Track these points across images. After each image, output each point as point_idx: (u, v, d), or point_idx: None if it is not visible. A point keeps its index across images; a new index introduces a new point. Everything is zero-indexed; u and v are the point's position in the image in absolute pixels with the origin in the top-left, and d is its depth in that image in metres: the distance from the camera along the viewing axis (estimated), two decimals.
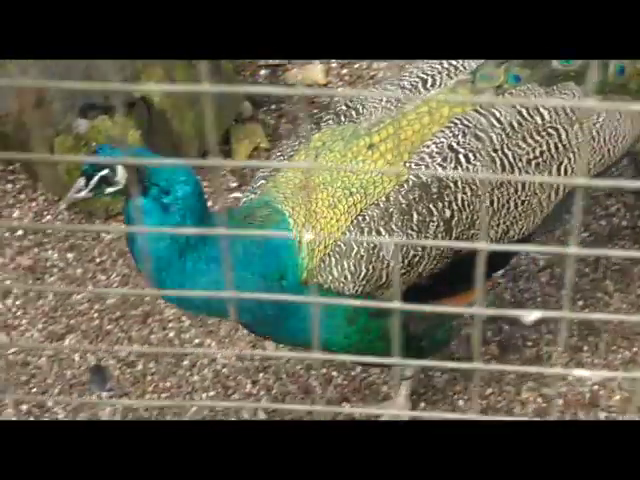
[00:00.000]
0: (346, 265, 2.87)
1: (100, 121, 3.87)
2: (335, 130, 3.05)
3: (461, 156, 2.96)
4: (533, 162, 3.05)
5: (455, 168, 2.95)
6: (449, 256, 2.94)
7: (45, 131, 3.92)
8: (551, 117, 3.08)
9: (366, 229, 2.86)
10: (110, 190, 2.76)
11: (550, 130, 3.09)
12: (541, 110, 3.09)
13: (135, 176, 2.68)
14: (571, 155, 3.10)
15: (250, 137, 4.22)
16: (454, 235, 2.92)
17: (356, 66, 4.61)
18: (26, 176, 4.23)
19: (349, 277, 2.87)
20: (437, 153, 2.95)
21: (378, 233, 2.87)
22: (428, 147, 2.97)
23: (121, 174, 2.72)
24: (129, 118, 3.88)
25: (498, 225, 3.03)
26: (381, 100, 3.09)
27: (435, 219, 2.91)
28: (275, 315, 2.85)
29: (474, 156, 2.96)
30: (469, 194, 2.95)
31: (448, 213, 2.91)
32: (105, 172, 2.71)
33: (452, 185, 2.93)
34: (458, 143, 2.98)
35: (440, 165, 2.95)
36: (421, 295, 2.85)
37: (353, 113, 3.09)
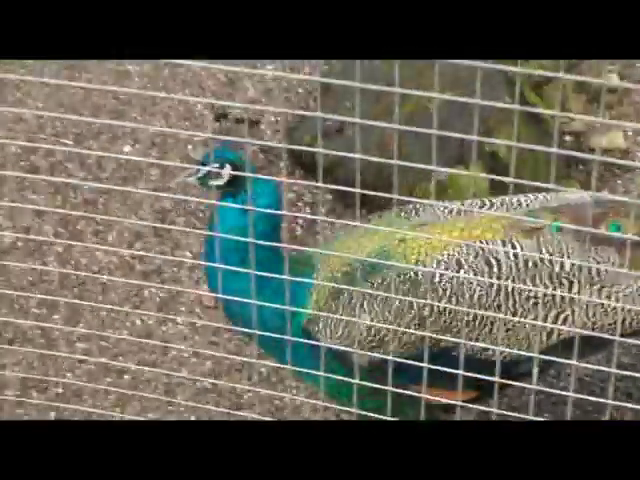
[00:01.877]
0: (329, 322, 3.28)
1: (457, 170, 4.59)
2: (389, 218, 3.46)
3: (462, 272, 3.23)
4: (532, 300, 3.23)
5: (450, 280, 3.21)
6: (419, 347, 3.19)
7: (406, 179, 4.66)
8: (571, 270, 3.26)
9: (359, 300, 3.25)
10: (213, 183, 3.25)
11: (564, 280, 3.26)
12: (564, 261, 3.26)
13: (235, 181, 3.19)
14: (577, 309, 3.24)
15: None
16: (421, 333, 3.13)
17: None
18: None
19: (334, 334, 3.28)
20: (444, 262, 3.25)
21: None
22: (442, 255, 3.26)
23: (227, 172, 3.22)
24: (480, 169, 4.60)
25: (477, 340, 3.23)
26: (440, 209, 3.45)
27: (413, 312, 3.22)
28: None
29: (474, 275, 3.22)
30: (453, 302, 3.21)
31: (426, 312, 3.18)
32: (215, 166, 3.21)
33: (440, 290, 3.22)
34: (467, 261, 3.25)
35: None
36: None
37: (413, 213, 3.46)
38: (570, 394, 2.34)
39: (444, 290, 3.24)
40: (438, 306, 3.20)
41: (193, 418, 4.07)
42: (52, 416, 4.12)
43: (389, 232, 3.34)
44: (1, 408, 4.17)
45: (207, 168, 3.24)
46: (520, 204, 3.47)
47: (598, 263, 3.32)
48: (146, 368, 4.27)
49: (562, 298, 3.26)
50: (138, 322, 4.56)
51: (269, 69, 5.89)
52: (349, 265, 3.31)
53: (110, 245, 4.88)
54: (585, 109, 5.29)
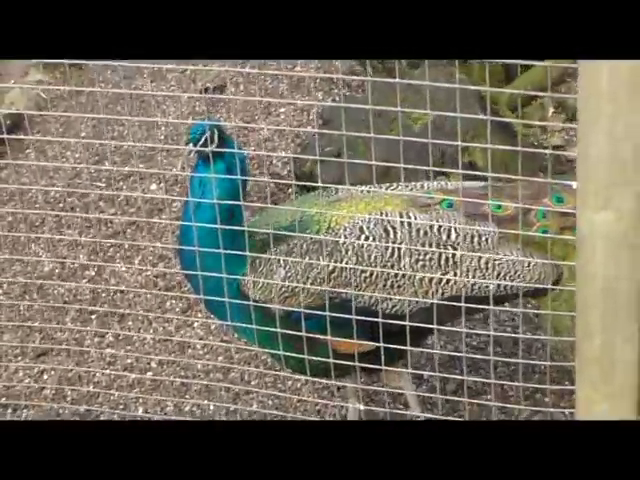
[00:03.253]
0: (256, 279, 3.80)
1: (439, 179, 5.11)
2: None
3: (362, 237, 3.78)
4: (420, 262, 3.76)
5: (352, 243, 3.77)
6: (322, 298, 3.66)
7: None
8: (456, 239, 3.81)
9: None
10: (205, 149, 3.68)
11: (449, 247, 3.79)
12: (451, 231, 3.81)
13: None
14: (457, 272, 3.74)
15: None
16: (330, 284, 3.70)
17: None
18: None
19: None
20: (349, 228, 3.79)
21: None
22: (348, 223, 3.80)
23: (215, 141, 3.72)
24: (459, 178, 5.12)
25: (371, 296, 3.70)
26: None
27: (319, 268, 3.73)
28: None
29: (372, 240, 3.77)
30: (353, 261, 3.73)
31: (331, 267, 3.72)
32: (208, 135, 3.71)
33: (342, 250, 3.75)
34: (367, 228, 3.80)
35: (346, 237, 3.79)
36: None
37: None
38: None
39: (346, 251, 3.78)
40: (339, 263, 3.73)
41: (206, 401, 4.58)
42: (82, 408, 4.66)
43: (311, 205, 3.93)
44: (40, 405, 4.72)
45: (204, 137, 3.75)
46: (423, 187, 4.05)
47: (480, 235, 3.83)
48: (165, 366, 4.82)
49: (446, 261, 3.77)
50: (160, 329, 5.11)
51: (282, 111, 6.56)
52: (275, 229, 3.81)
53: (136, 267, 5.47)
54: (563, 126, 5.79)
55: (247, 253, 3.50)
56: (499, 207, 3.90)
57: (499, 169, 5.25)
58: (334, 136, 5.65)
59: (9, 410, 4.74)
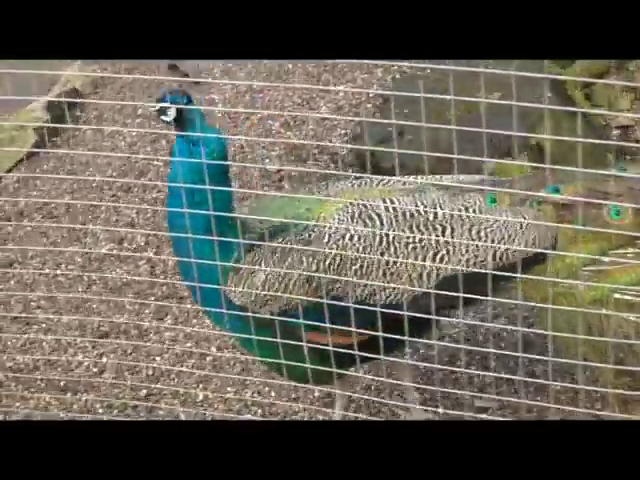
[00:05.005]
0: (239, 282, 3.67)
1: (505, 161, 4.98)
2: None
3: (347, 235, 3.65)
4: (410, 246, 3.63)
5: (342, 237, 3.64)
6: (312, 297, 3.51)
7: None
8: (444, 216, 3.68)
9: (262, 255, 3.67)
10: (163, 118, 3.64)
11: (437, 226, 3.67)
12: (437, 209, 3.70)
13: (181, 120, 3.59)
14: (450, 248, 3.63)
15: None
16: (313, 285, 3.59)
17: None
18: None
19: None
20: (334, 224, 3.66)
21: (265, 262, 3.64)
22: (333, 218, 3.68)
23: (172, 113, 3.62)
24: (526, 160, 4.98)
25: (365, 286, 3.59)
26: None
27: (302, 269, 3.60)
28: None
29: (357, 235, 3.64)
30: (337, 261, 3.61)
31: (314, 268, 3.60)
32: (164, 105, 3.61)
33: (327, 251, 3.59)
34: (352, 218, 3.68)
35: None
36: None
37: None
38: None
39: (331, 248, 3.63)
40: (325, 260, 3.60)
41: (267, 390, 4.51)
42: (143, 393, 4.61)
43: (301, 201, 3.80)
44: (99, 389, 4.68)
45: (159, 105, 3.67)
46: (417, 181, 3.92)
47: (466, 208, 3.73)
48: (226, 351, 4.75)
49: (437, 241, 3.64)
50: None
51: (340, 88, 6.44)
52: (262, 227, 3.71)
53: None
54: (632, 106, 5.62)
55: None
56: (493, 201, 3.81)
57: (567, 151, 5.16)
58: (397, 116, 5.53)
59: (68, 394, 4.70)
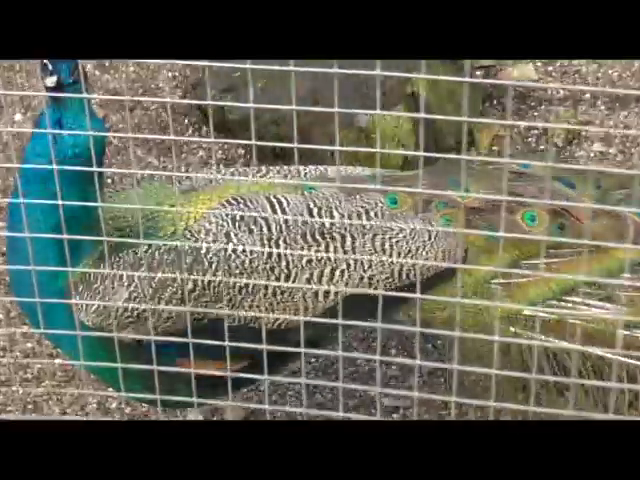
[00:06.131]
0: (86, 294, 3.00)
1: (378, 115, 4.45)
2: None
3: (232, 235, 3.05)
4: (305, 258, 3.06)
5: (225, 247, 3.02)
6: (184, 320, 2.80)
7: (326, 127, 4.50)
8: (342, 222, 3.10)
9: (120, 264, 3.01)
10: (42, 76, 2.90)
11: (335, 234, 3.09)
12: (334, 213, 3.13)
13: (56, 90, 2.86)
14: (352, 262, 3.07)
15: (489, 127, 4.81)
16: (189, 305, 2.96)
17: (558, 64, 5.23)
18: None
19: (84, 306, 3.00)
20: (211, 230, 3.05)
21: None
22: (208, 222, 3.06)
23: (51, 81, 2.88)
24: (403, 111, 4.47)
25: (250, 307, 3.02)
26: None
27: (175, 287, 2.98)
28: None
29: (245, 239, 3.04)
30: (219, 276, 2.99)
31: (190, 285, 2.99)
32: (49, 67, 2.88)
33: (206, 262, 3.00)
34: (234, 224, 3.06)
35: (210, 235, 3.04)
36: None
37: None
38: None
39: (210, 262, 3.02)
40: (203, 276, 2.99)
41: None
42: None
43: (163, 196, 3.17)
44: None
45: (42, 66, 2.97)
46: (299, 173, 3.32)
47: (367, 211, 3.17)
48: None
49: (335, 252, 3.07)
50: None
51: None
52: (125, 224, 3.06)
53: None
54: None
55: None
56: (394, 202, 3.22)
57: (445, 100, 4.70)
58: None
59: None
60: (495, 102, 5.03)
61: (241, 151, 4.90)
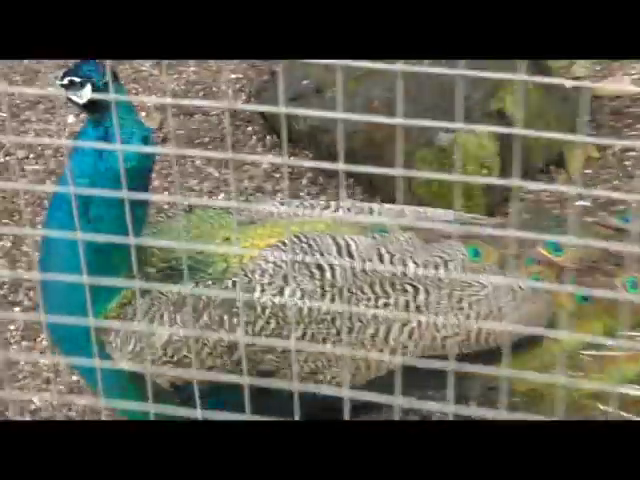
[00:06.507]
0: (122, 333, 2.72)
1: (461, 134, 4.04)
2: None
3: (291, 278, 2.72)
4: (371, 311, 2.73)
5: (281, 291, 2.69)
6: (232, 372, 2.66)
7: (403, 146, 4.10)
8: (416, 273, 2.74)
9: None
10: (72, 96, 2.66)
11: (407, 286, 2.74)
12: (407, 261, 2.76)
13: (98, 106, 2.59)
14: (423, 319, 2.72)
15: (582, 147, 4.37)
16: (234, 358, 2.67)
17: None
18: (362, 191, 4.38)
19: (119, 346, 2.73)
20: (267, 271, 2.73)
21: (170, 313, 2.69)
22: (265, 261, 2.74)
23: (86, 93, 2.64)
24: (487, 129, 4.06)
25: (306, 361, 2.71)
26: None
27: (222, 333, 2.69)
28: None
29: (305, 284, 2.70)
30: (272, 324, 2.69)
31: (239, 333, 2.66)
32: (76, 80, 2.65)
33: (258, 308, 2.68)
34: (294, 263, 2.73)
35: (265, 282, 2.70)
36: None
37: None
38: None
39: (263, 308, 2.69)
40: (255, 322, 2.68)
41: None
42: None
43: (218, 226, 2.87)
44: None
45: (68, 79, 2.67)
46: (371, 212, 2.96)
47: (445, 262, 2.78)
48: None
49: (407, 306, 2.72)
50: None
51: None
52: (172, 256, 2.76)
53: None
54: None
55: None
56: (477, 254, 2.85)
57: (535, 118, 4.28)
58: (314, 69, 4.47)
59: None
60: (588, 117, 4.58)
61: (308, 163, 4.52)
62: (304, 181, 4.45)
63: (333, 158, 4.43)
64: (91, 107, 2.64)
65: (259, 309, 2.67)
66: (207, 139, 4.66)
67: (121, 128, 2.63)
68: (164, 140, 4.65)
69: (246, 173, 4.48)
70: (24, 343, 3.76)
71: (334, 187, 4.41)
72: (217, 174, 4.49)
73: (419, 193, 4.06)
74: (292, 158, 4.54)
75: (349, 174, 4.38)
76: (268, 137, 4.65)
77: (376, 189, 4.33)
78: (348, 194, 4.39)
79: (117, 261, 2.61)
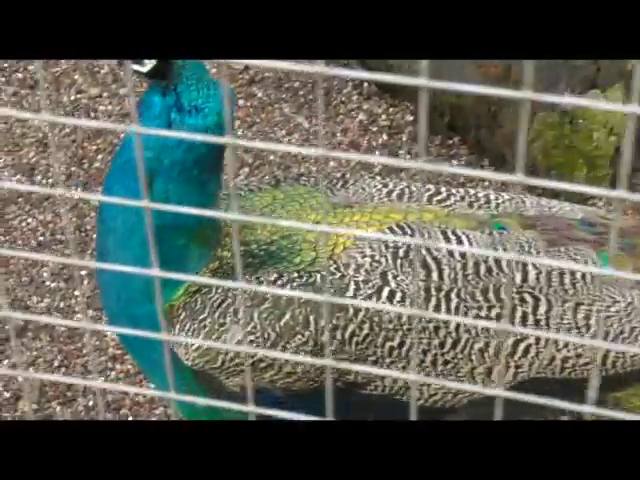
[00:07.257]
0: (189, 326, 2.35)
1: (592, 95, 3.52)
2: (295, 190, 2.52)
3: (390, 276, 2.30)
4: (482, 322, 2.22)
5: (378, 291, 2.29)
6: (314, 380, 2.30)
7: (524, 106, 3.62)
8: (537, 281, 2.33)
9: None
10: (136, 67, 2.27)
11: (526, 295, 2.32)
12: (528, 268, 2.32)
13: (166, 71, 2.24)
14: (542, 335, 2.34)
15: None
16: (317, 364, 2.26)
17: None
18: (468, 152, 3.94)
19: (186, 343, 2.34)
20: (363, 264, 2.32)
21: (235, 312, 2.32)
22: (361, 252, 2.33)
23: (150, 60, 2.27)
24: (621, 92, 3.53)
25: (397, 380, 2.33)
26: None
27: (307, 335, 2.28)
28: None
29: (406, 284, 2.29)
30: (365, 329, 2.28)
31: (325, 336, 2.16)
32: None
33: (351, 309, 2.28)
34: (394, 260, 2.31)
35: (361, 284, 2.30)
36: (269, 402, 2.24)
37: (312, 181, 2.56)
38: None
39: (356, 309, 2.28)
40: (346, 327, 2.29)
41: None
42: None
43: (309, 207, 2.47)
44: None
45: None
46: (489, 203, 2.50)
47: (572, 270, 2.35)
48: None
49: (524, 319, 2.30)
50: None
51: None
52: (252, 239, 2.41)
53: None
54: None
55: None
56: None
57: None
58: None
59: None
60: None
61: (409, 117, 4.05)
62: (404, 137, 3.98)
63: (438, 113, 4.01)
64: (157, 74, 2.25)
65: (351, 311, 2.28)
66: (297, 84, 4.21)
67: (197, 91, 2.25)
68: (251, 82, 4.22)
69: (340, 125, 4.03)
70: (90, 312, 3.41)
71: (437, 145, 3.95)
72: (307, 125, 4.04)
73: (539, 161, 3.60)
74: (391, 109, 4.08)
75: (453, 131, 3.94)
76: (365, 84, 4.18)
77: (484, 149, 3.89)
78: (452, 154, 3.94)
79: (183, 242, 2.30)
